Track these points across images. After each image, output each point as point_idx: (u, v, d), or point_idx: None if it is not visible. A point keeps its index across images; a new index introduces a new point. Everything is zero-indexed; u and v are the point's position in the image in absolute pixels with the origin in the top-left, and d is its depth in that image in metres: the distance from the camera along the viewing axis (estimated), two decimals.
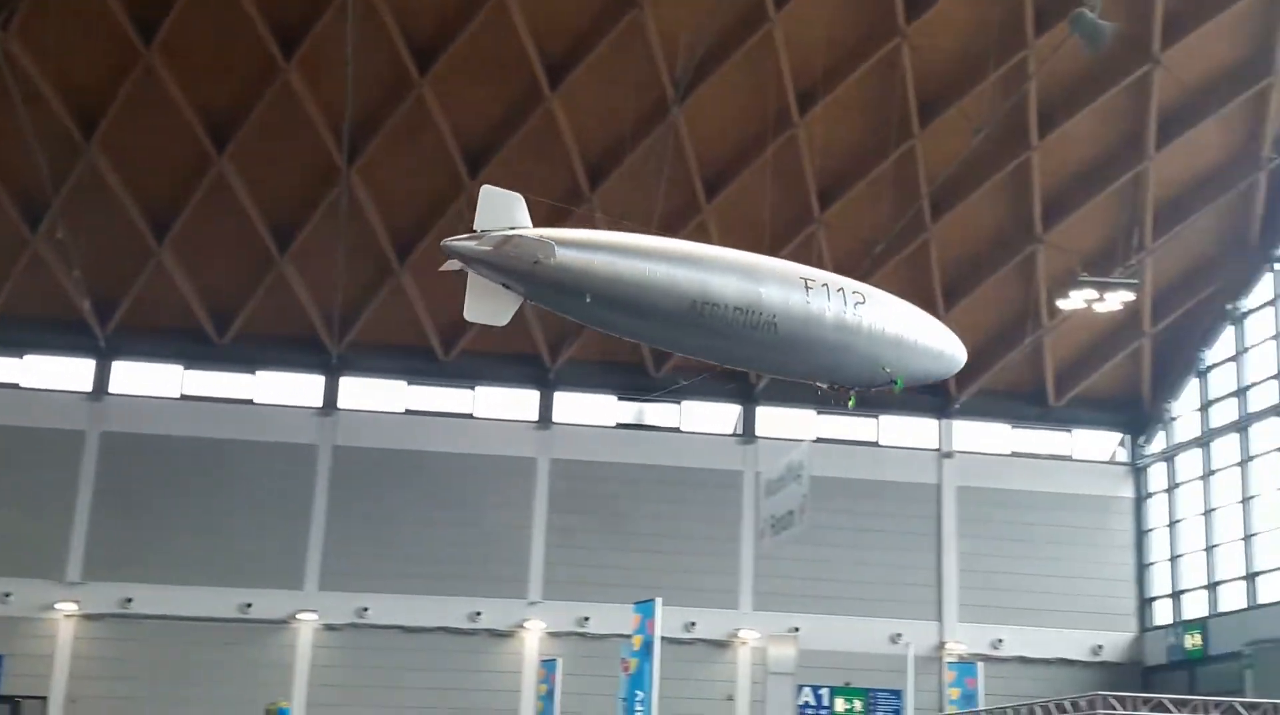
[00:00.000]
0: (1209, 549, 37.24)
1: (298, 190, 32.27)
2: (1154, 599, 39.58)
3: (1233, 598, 36.17)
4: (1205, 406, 38.11)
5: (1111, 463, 40.51)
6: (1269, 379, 35.41)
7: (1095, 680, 30.79)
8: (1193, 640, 36.64)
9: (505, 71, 30.10)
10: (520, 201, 9.92)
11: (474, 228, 9.96)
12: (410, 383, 37.12)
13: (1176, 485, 39.11)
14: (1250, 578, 35.32)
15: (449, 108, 30.71)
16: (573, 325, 30.55)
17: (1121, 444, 40.56)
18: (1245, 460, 35.97)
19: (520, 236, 9.98)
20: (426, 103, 30.27)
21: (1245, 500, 35.75)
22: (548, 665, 30.65)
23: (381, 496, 35.45)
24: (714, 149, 31.94)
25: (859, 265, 33.97)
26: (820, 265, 33.37)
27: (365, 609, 34.74)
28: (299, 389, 36.36)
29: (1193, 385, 38.62)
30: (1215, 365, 37.91)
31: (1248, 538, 35.51)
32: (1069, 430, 40.03)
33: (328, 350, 35.60)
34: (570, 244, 10.14)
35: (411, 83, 29.92)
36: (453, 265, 10.42)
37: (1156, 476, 40.05)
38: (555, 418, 37.58)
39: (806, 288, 10.35)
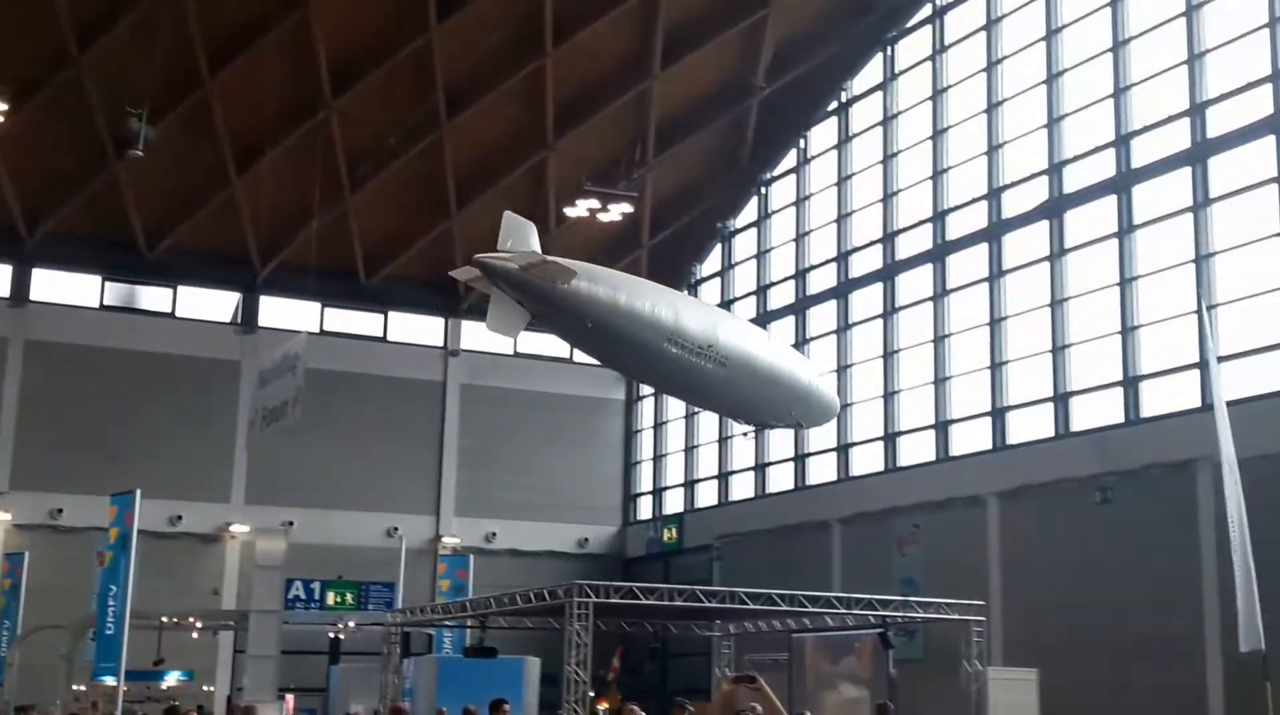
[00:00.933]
0: (689, 450, 39.99)
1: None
2: (638, 495, 42.11)
3: (707, 495, 39.12)
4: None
5: (608, 368, 42.40)
6: (749, 295, 38.23)
7: (580, 571, 32.25)
8: (669, 534, 39.33)
9: None
10: (533, 228, 10.97)
11: (497, 247, 10.81)
12: None
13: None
14: (723, 477, 38.28)
15: None
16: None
17: None
18: None
19: (549, 261, 10.79)
20: None
21: None
22: (12, 559, 28.45)
23: None
24: (220, 20, 30.04)
25: (371, 156, 33.39)
26: (331, 154, 32.64)
27: None
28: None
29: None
30: (704, 279, 40.48)
31: (723, 440, 38.38)
32: None
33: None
34: (582, 275, 11.25)
35: None
36: (465, 273, 9.86)
37: None
38: (33, 297, 34.87)
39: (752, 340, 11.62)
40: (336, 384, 35.58)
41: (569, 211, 33.06)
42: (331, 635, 31.71)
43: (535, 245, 10.81)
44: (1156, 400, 25.69)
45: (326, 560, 33.79)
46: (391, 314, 39.08)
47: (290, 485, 35.66)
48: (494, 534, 38.58)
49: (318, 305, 37.64)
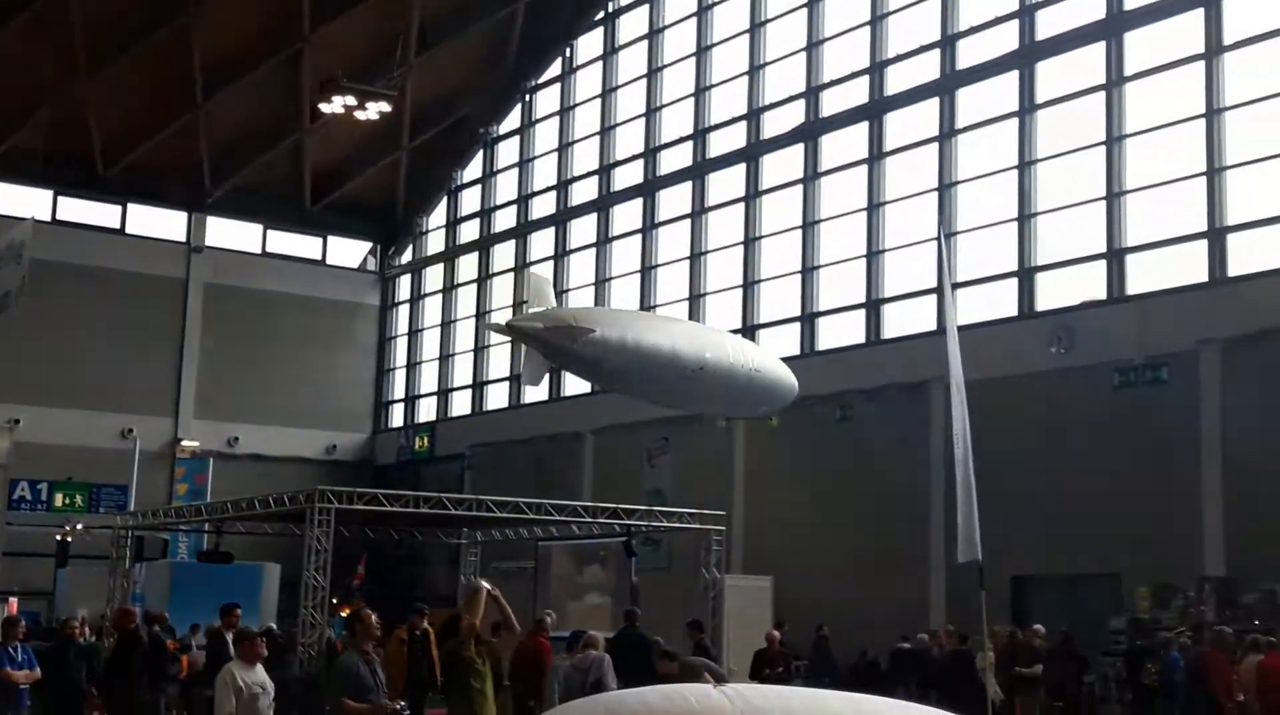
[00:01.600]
0: (444, 358, 39.59)
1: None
2: (390, 403, 41.53)
3: (461, 405, 38.87)
4: (453, 223, 40.06)
5: (361, 271, 41.57)
6: (510, 203, 37.85)
7: (328, 478, 31.61)
8: (421, 442, 38.97)
9: None
10: (549, 284, 11.82)
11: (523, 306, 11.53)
12: None
13: (421, 296, 40.99)
14: (478, 387, 38.07)
15: None
16: None
17: (372, 253, 41.71)
18: (485, 277, 38.38)
19: (571, 326, 11.96)
20: None
21: (481, 314, 38.25)
22: None
23: None
24: None
25: (111, 39, 31.46)
26: (67, 36, 30.52)
27: None
28: None
29: (444, 202, 40.42)
30: (465, 185, 39.87)
31: (479, 349, 38.12)
32: (323, 235, 40.39)
33: None
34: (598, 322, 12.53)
35: None
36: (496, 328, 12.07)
37: (403, 287, 41.71)
38: None
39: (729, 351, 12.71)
40: (71, 277, 33.75)
41: (324, 108, 31.89)
42: (59, 537, 30.32)
43: (553, 301, 12.10)
44: (897, 323, 26.72)
45: (56, 461, 32.18)
46: (131, 206, 37.15)
47: (17, 381, 33.65)
48: (236, 438, 37.43)
49: (49, 193, 35.47)
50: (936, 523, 23.32)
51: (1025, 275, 24.58)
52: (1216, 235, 21.84)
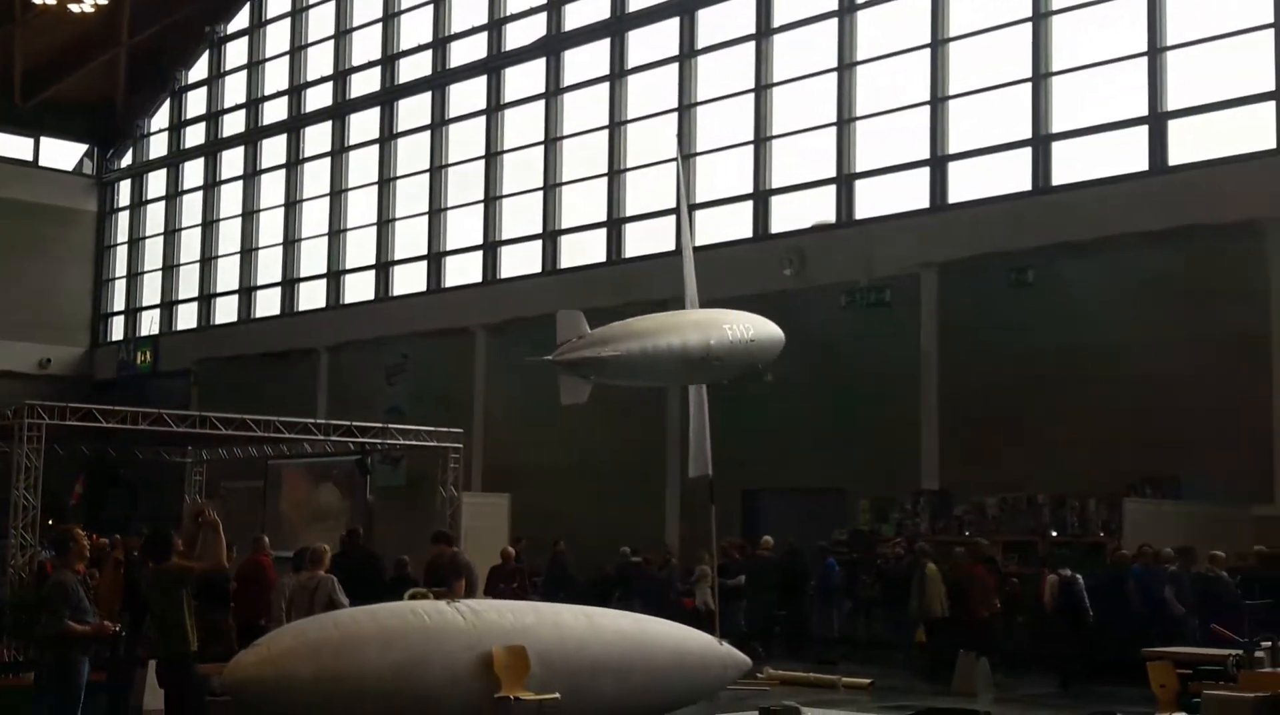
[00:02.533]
0: (168, 269, 37.81)
1: None
2: (110, 314, 39.51)
3: (186, 318, 37.27)
4: (177, 127, 38.11)
5: (78, 174, 39.18)
6: (239, 107, 36.22)
7: (40, 393, 29.81)
8: (144, 357, 37.26)
9: None
10: (581, 316, 13.88)
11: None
12: None
13: (144, 202, 38.96)
14: (205, 299, 36.55)
15: None
16: None
17: (89, 155, 39.31)
18: (212, 184, 36.73)
19: (584, 358, 13.65)
20: None
21: (208, 223, 36.65)
22: None
23: None
24: None
25: None
26: None
27: None
28: None
29: (167, 104, 38.38)
30: (191, 86, 37.92)
31: (206, 261, 36.56)
32: (35, 135, 37.82)
33: None
34: (612, 340, 14.02)
35: None
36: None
37: (123, 192, 39.54)
38: None
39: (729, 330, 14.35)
40: None
41: None
42: None
43: (584, 329, 13.83)
44: (637, 242, 26.93)
45: None
46: None
47: None
48: None
49: None
50: (673, 439, 23.77)
51: (760, 198, 25.13)
52: (938, 163, 22.79)
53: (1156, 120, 20.39)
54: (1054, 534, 18.07)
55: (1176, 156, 20.28)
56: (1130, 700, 11.80)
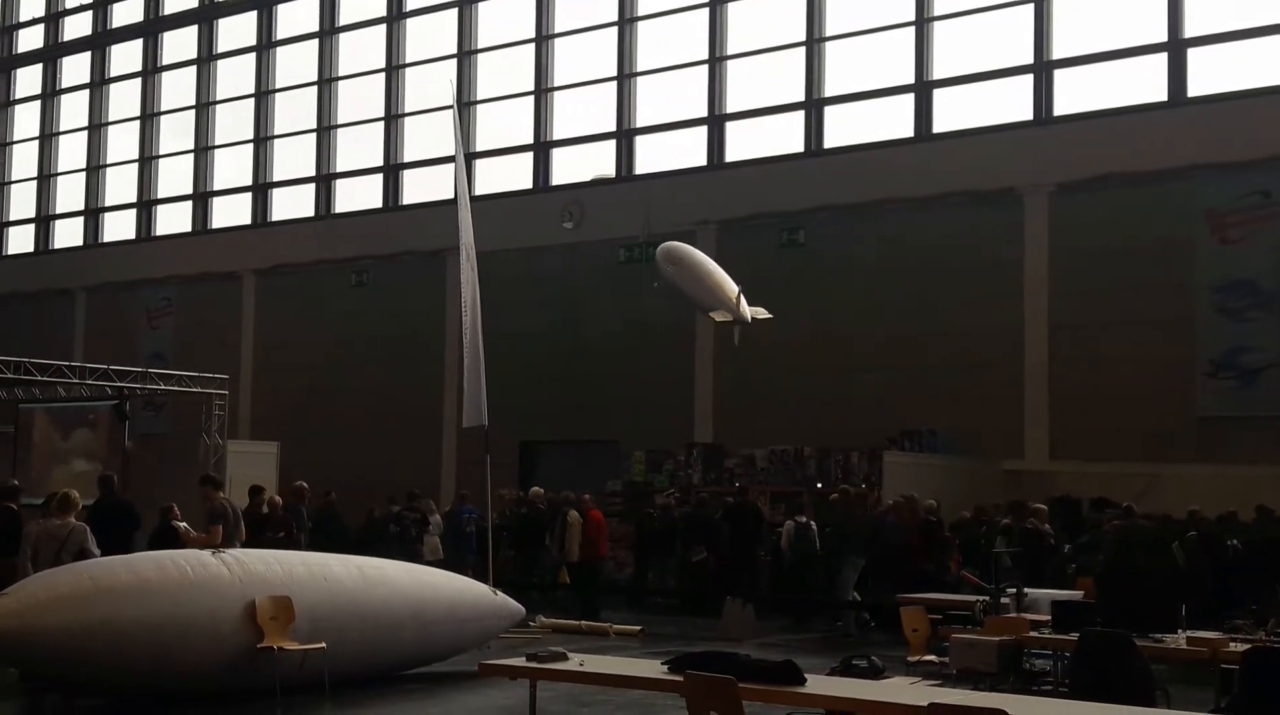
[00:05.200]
0: None
1: None
2: None
3: None
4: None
5: None
6: (84, 9, 33.56)
7: None
8: None
9: None
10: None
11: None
12: None
13: None
14: None
15: None
16: None
17: None
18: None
19: None
20: None
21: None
22: None
23: None
24: None
25: None
26: None
27: None
28: None
29: None
30: None
31: None
32: None
33: None
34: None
35: None
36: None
37: None
38: None
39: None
40: None
41: None
42: None
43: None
44: (415, 189, 26.53)
45: None
46: None
47: None
48: None
49: None
50: (451, 388, 23.59)
51: (541, 149, 25.04)
52: (716, 123, 23.12)
53: (922, 88, 21.15)
54: (819, 486, 18.68)
55: (940, 123, 21.10)
56: (885, 645, 12.31)
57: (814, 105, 22.14)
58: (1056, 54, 20.24)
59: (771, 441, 19.69)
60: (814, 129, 22.14)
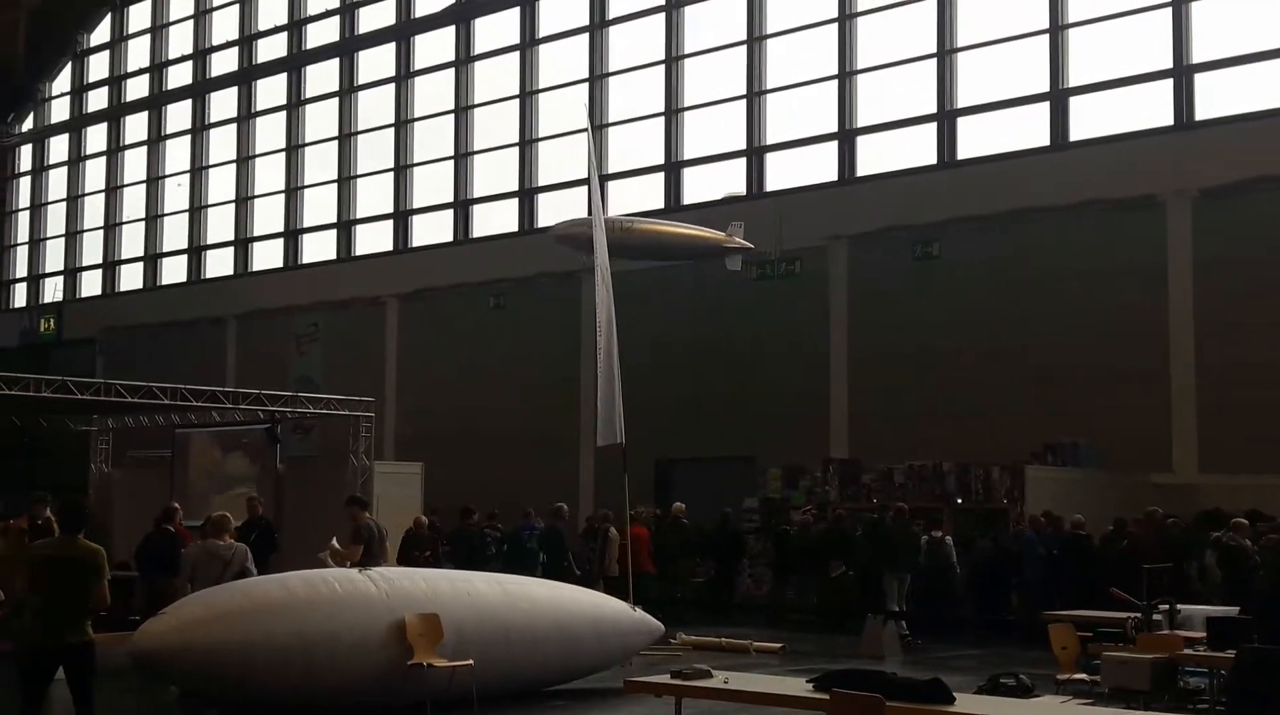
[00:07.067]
0: (71, 235, 37.02)
1: None
2: (12, 281, 38.61)
3: (91, 285, 36.54)
4: (80, 91, 37.23)
5: None
6: (143, 72, 35.46)
7: None
8: (47, 324, 36.50)
9: None
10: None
11: None
12: None
13: (46, 168, 38.05)
14: (110, 266, 35.86)
15: None
16: None
17: None
18: (116, 149, 35.97)
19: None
20: None
21: (112, 189, 35.92)
22: None
23: None
24: None
25: None
26: None
27: None
28: None
29: (69, 68, 37.47)
30: (93, 50, 37.04)
31: (110, 227, 35.85)
32: None
33: None
34: None
35: None
36: None
37: (24, 157, 38.59)
38: None
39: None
40: None
41: None
42: None
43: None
44: (550, 212, 26.89)
45: None
46: None
47: None
48: None
49: None
50: (588, 407, 23.83)
51: (672, 169, 25.23)
52: (847, 137, 23.04)
53: (1058, 96, 20.81)
54: (959, 501, 18.45)
55: (1078, 132, 20.74)
56: (1033, 662, 12.12)
57: (947, 117, 21.95)
58: (1196, 58, 19.76)
59: (909, 457, 19.50)
60: (947, 141, 21.93)
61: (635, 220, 22.56)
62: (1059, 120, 20.78)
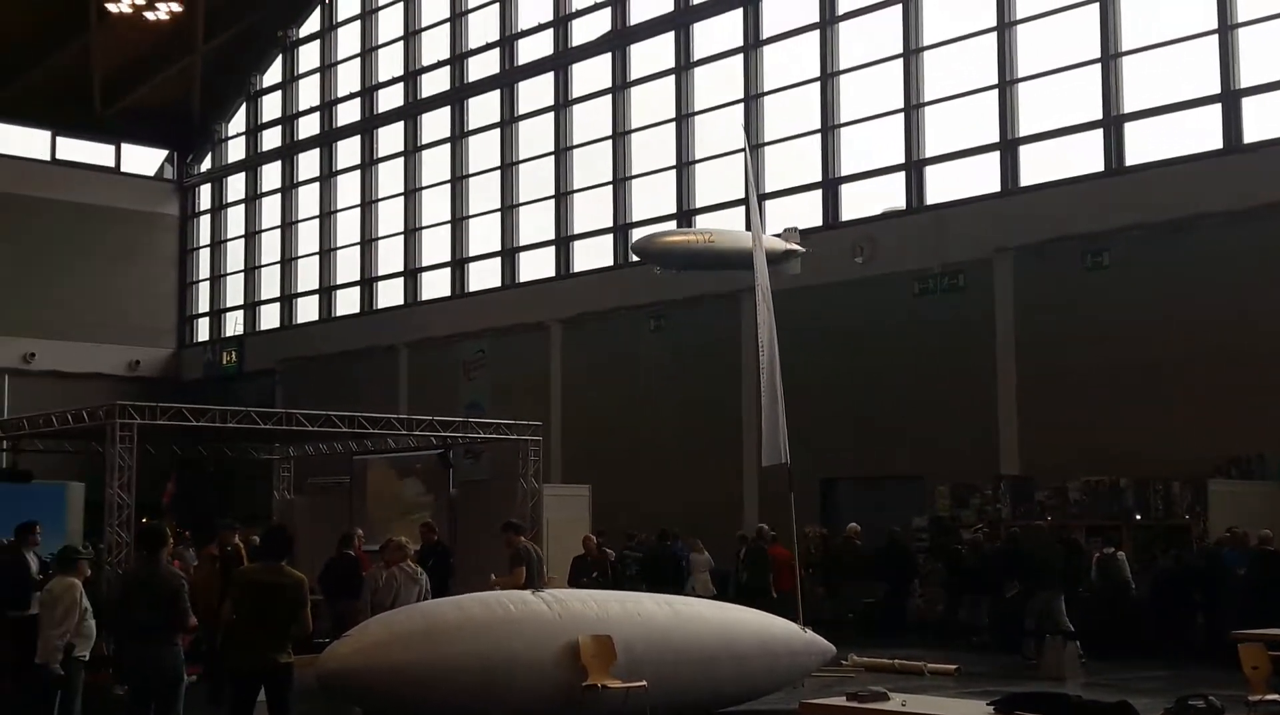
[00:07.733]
0: (250, 270, 38.52)
1: None
2: (195, 316, 40.31)
3: (269, 318, 37.94)
4: (254, 130, 38.76)
5: (159, 179, 39.99)
6: (313, 110, 36.78)
7: (132, 395, 30.46)
8: (229, 357, 37.99)
9: None
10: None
11: None
12: None
13: (224, 206, 39.69)
14: (286, 299, 37.20)
15: None
16: None
17: (169, 161, 40.12)
18: (290, 186, 37.34)
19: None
20: None
21: (287, 225, 37.27)
22: None
23: None
24: None
25: None
26: None
27: None
28: None
29: (243, 108, 39.04)
30: (266, 90, 38.55)
31: (287, 262, 37.20)
32: (116, 142, 38.66)
33: None
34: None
35: None
36: None
37: (204, 196, 40.32)
38: None
39: None
40: None
41: (111, 6, 30.35)
42: None
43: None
44: None
45: None
46: None
47: None
48: (33, 354, 35.79)
49: None
50: (750, 427, 23.87)
51: (829, 186, 25.14)
52: (1009, 147, 22.66)
53: (1230, 98, 20.14)
54: (1138, 517, 17.94)
55: (1251, 134, 20.04)
56: (1219, 683, 11.72)
57: (1113, 123, 21.42)
58: None
59: (1084, 473, 19.04)
60: (1114, 147, 21.40)
61: (715, 231, 23.42)
62: (1232, 122, 20.10)
